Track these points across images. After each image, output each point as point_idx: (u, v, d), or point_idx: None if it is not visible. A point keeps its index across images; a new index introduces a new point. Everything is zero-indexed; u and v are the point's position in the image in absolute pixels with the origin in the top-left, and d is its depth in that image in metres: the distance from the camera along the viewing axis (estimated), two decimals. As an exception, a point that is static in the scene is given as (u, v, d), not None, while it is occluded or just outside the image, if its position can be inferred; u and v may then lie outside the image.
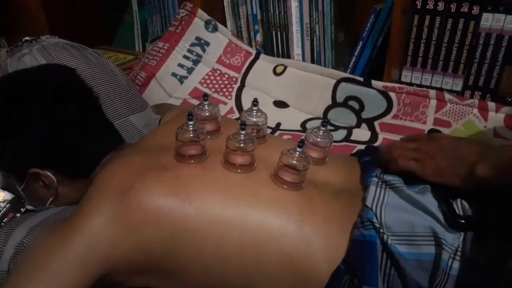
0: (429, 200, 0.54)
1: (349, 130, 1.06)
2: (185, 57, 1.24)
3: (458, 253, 0.49)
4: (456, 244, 0.50)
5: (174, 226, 0.54)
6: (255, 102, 0.68)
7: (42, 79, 0.67)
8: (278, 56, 1.26)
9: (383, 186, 0.58)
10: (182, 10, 1.27)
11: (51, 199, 0.65)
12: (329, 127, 1.06)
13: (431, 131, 0.69)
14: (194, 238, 0.55)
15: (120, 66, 1.24)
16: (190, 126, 0.59)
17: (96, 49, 1.27)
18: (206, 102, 0.66)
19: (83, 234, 0.52)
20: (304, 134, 1.03)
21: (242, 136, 0.59)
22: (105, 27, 1.48)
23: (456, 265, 0.49)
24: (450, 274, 0.48)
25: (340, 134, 1.05)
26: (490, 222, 0.51)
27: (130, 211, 0.54)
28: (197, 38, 1.25)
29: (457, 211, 0.53)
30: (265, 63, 1.21)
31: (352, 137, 1.04)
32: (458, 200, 0.54)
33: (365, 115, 1.05)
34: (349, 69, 1.14)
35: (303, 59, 1.22)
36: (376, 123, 1.04)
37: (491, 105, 0.94)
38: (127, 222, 0.53)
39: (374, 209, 0.55)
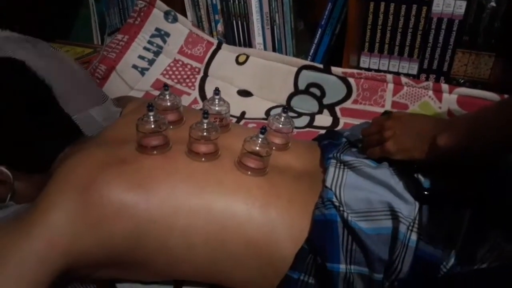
0: (387, 175, 0.57)
1: (312, 116, 1.08)
2: (145, 48, 1.22)
3: (416, 225, 0.52)
4: (412, 216, 0.53)
5: (138, 218, 0.54)
6: (216, 91, 0.69)
7: None
8: (239, 46, 1.26)
9: (341, 167, 0.60)
10: (141, 1, 1.24)
11: (9, 195, 0.63)
12: (292, 114, 1.08)
13: (385, 113, 0.72)
14: (159, 229, 0.55)
15: (78, 60, 1.20)
16: (151, 117, 0.59)
17: (52, 43, 1.23)
18: (167, 92, 0.66)
19: (43, 230, 0.51)
20: (268, 122, 1.05)
21: (205, 125, 0.60)
22: (61, 21, 1.43)
23: (414, 236, 0.51)
24: (409, 245, 0.51)
25: (303, 120, 1.07)
26: (446, 194, 0.54)
27: (92, 206, 0.53)
28: (157, 29, 1.23)
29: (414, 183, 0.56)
30: (227, 53, 1.21)
31: (315, 123, 1.06)
32: (415, 175, 0.57)
33: (326, 101, 1.08)
34: (309, 57, 1.16)
35: (265, 48, 1.23)
36: (337, 109, 1.07)
37: (445, 87, 0.99)
38: (89, 217, 0.53)
39: (333, 189, 0.57)
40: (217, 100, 0.68)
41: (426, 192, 0.54)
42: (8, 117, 0.62)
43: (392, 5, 1.05)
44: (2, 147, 0.62)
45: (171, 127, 0.64)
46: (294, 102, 1.11)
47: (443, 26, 1.02)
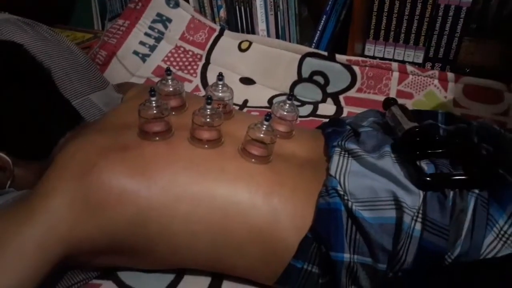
0: (389, 164, 0.56)
1: (315, 105, 1.07)
2: (146, 34, 1.21)
3: (420, 215, 0.51)
4: (416, 206, 0.52)
5: (139, 205, 0.53)
6: (220, 76, 0.67)
7: None
8: (242, 32, 1.24)
9: (345, 155, 0.59)
10: (142, -14, 1.22)
11: (9, 182, 0.63)
12: (295, 103, 1.07)
13: (387, 100, 0.70)
14: (160, 216, 0.54)
15: (78, 45, 1.18)
16: (153, 102, 0.57)
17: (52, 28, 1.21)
18: (169, 77, 0.65)
19: (42, 215, 0.50)
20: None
21: (209, 111, 0.58)
22: (61, 5, 1.40)
23: (418, 226, 0.50)
24: (413, 235, 0.50)
25: (307, 109, 1.06)
26: (449, 180, 0.53)
27: (92, 192, 0.52)
28: (158, 15, 1.21)
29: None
30: (229, 39, 1.19)
31: (318, 112, 1.05)
32: (417, 162, 0.56)
33: (330, 89, 1.06)
34: (313, 44, 1.14)
35: (268, 35, 1.21)
36: (341, 97, 1.05)
37: (451, 76, 0.97)
38: (89, 202, 0.52)
39: (337, 177, 0.55)
40: (220, 86, 0.67)
41: (428, 178, 0.53)
42: (6, 102, 0.61)
43: (398, -9, 1.03)
44: (1, 132, 0.61)
45: (173, 113, 0.63)
46: (298, 90, 1.10)
47: (450, 13, 1.01)
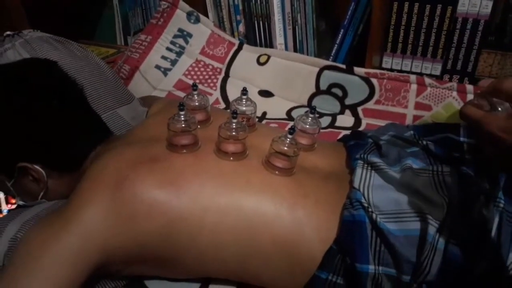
0: (411, 177, 0.57)
1: (334, 117, 1.08)
2: (168, 49, 1.24)
3: (445, 227, 0.52)
4: (441, 218, 0.52)
5: (168, 216, 0.55)
6: (244, 91, 0.69)
7: (24, 73, 0.66)
8: (261, 46, 1.27)
9: (369, 168, 0.60)
10: (164, 2, 1.26)
11: (42, 193, 0.65)
12: (314, 114, 1.08)
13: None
14: (189, 227, 0.56)
15: (103, 60, 1.22)
16: (182, 116, 0.60)
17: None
18: (195, 92, 0.67)
19: (78, 226, 0.52)
20: (289, 122, 1.05)
21: (234, 124, 0.60)
22: (85, 21, 1.45)
23: (443, 238, 0.51)
24: (437, 248, 0.51)
25: (325, 121, 1.07)
26: (472, 195, 0.54)
27: (125, 203, 0.54)
28: (180, 30, 1.25)
29: (440, 185, 0.55)
30: (248, 53, 1.21)
31: (337, 124, 1.06)
32: (440, 176, 0.56)
33: (348, 101, 1.07)
34: (331, 57, 1.16)
35: (286, 48, 1.23)
36: (359, 109, 1.06)
37: (469, 87, 0.97)
38: (122, 213, 0.54)
39: (361, 190, 0.57)
40: (244, 100, 0.69)
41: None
42: (42, 117, 0.64)
43: (416, 5, 1.04)
44: (36, 146, 0.64)
45: (199, 126, 0.65)
46: (316, 103, 1.11)
47: (468, 26, 1.01)
